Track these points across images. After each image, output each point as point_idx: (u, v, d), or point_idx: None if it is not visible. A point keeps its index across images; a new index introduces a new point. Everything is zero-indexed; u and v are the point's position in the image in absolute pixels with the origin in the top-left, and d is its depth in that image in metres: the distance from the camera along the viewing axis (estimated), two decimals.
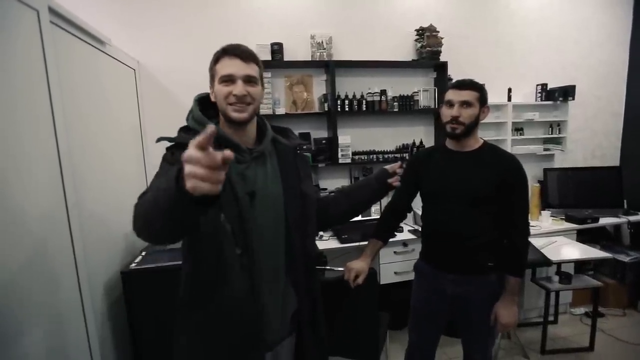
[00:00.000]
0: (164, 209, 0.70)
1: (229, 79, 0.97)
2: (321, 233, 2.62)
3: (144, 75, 2.46)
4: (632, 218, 2.92)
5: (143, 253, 1.98)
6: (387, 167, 1.34)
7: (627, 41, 3.48)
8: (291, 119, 2.73)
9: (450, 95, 1.42)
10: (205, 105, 1.06)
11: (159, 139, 0.97)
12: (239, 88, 0.96)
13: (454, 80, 1.44)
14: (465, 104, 1.39)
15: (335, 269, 2.07)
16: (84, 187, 1.52)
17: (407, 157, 2.83)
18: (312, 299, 1.13)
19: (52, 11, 1.32)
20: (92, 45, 1.73)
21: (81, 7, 1.71)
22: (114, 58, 2.01)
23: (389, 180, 1.31)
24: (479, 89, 1.41)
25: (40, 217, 1.19)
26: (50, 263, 1.23)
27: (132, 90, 2.31)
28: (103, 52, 1.85)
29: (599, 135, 3.53)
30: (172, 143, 0.99)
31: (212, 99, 1.02)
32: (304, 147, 2.63)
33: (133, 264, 1.85)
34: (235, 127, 1.01)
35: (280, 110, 2.66)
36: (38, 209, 1.19)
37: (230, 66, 0.97)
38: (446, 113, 1.43)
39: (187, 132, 1.02)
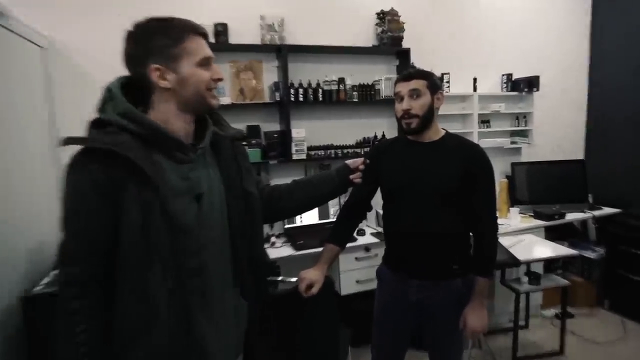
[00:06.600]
0: None
1: (207, 62, 0.90)
2: (273, 240, 2.40)
3: (57, 55, 2.10)
4: (597, 213, 2.94)
5: (54, 272, 1.66)
6: (349, 161, 1.31)
7: (588, 32, 3.50)
8: (238, 110, 2.54)
9: (398, 87, 1.40)
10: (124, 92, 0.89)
11: (67, 141, 0.81)
12: (219, 72, 0.92)
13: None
14: (415, 93, 1.36)
15: (289, 279, 1.91)
16: None
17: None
18: (263, 309, 1.09)
19: None
20: None
21: None
22: (15, 33, 1.70)
23: (351, 177, 1.28)
24: (427, 76, 1.39)
25: None
26: None
27: (39, 73, 1.96)
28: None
29: (564, 127, 3.52)
30: (83, 147, 0.81)
31: (164, 84, 0.86)
32: (253, 141, 2.41)
33: (38, 287, 1.60)
34: (190, 119, 0.92)
35: (226, 100, 2.41)
36: None
37: (206, 47, 0.90)
38: (398, 108, 1.41)
39: (103, 128, 0.84)
